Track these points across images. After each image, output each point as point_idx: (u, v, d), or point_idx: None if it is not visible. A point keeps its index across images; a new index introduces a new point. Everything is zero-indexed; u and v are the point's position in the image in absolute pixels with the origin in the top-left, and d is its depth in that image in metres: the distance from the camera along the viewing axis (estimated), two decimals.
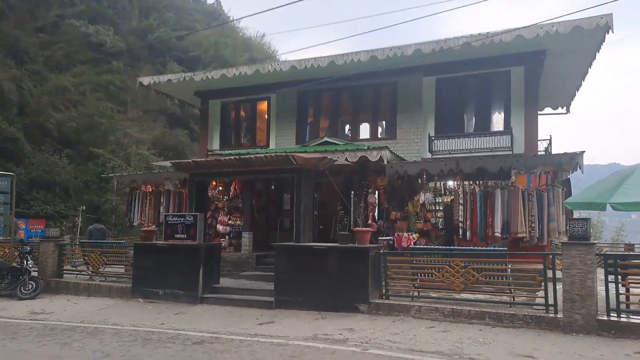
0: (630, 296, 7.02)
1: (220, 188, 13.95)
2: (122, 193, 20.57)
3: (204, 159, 11.32)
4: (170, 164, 11.61)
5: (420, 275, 8.66)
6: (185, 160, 11.38)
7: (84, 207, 20.39)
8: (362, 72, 13.13)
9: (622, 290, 6.89)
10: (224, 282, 10.67)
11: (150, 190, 14.48)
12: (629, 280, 7.07)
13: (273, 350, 6.15)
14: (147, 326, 7.82)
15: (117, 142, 24.75)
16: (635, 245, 13.29)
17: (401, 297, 8.58)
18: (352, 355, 5.86)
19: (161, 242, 10.67)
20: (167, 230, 10.53)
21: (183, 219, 10.43)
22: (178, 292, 9.98)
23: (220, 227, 12.93)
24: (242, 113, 16.87)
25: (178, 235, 10.35)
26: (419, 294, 8.53)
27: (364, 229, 9.07)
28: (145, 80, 16.39)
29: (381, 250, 9.01)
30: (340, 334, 6.96)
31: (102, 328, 7.72)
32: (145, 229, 12.08)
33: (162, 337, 6.97)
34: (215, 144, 16.50)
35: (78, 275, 12.12)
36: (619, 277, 6.87)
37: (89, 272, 11.87)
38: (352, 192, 11.56)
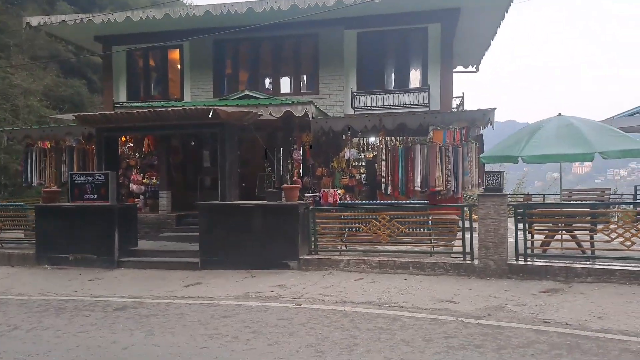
0: (535, 242, 7.86)
1: (131, 144, 13.08)
2: (11, 150, 18.56)
3: (113, 112, 10.48)
4: (73, 117, 10.60)
5: (348, 230, 8.95)
6: (92, 113, 10.45)
7: None
8: (283, 22, 12.74)
9: (528, 237, 7.67)
10: (143, 244, 10.25)
11: (49, 146, 13.19)
12: (535, 228, 7.89)
13: (204, 311, 6.04)
14: (59, 294, 7.31)
15: (1, 92, 21.93)
16: (533, 195, 14.82)
17: (330, 252, 8.84)
18: (286, 311, 5.94)
19: (68, 204, 9.90)
20: (75, 190, 9.76)
21: (92, 178, 9.73)
22: (91, 257, 9.43)
23: (134, 187, 12.23)
24: (152, 62, 15.74)
25: (87, 196, 9.66)
26: (346, 248, 8.85)
27: (293, 186, 9.10)
28: (34, 20, 14.54)
29: (309, 207, 9.12)
30: (272, 291, 7.03)
31: (5, 299, 7.07)
32: (47, 189, 11.06)
33: (79, 305, 6.55)
34: (122, 96, 15.31)
35: None
36: (527, 224, 7.63)
37: None
38: (276, 148, 11.44)
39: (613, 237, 7.10)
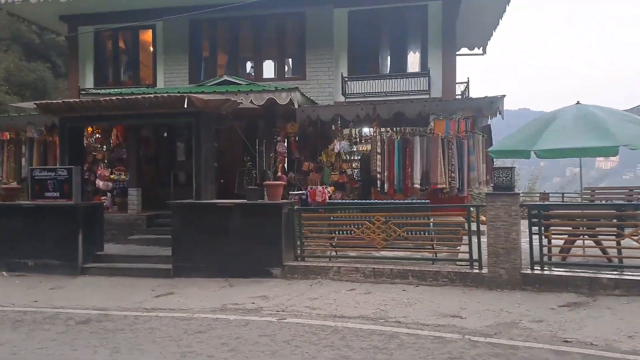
0: (553, 248, 7.52)
1: (98, 135, 12.72)
2: None
3: (77, 100, 10.22)
4: (35, 105, 10.29)
5: (338, 233, 8.64)
6: (55, 101, 10.22)
7: None
8: (266, 0, 12.35)
9: (545, 242, 7.33)
10: (110, 248, 9.95)
11: (8, 138, 12.82)
12: (552, 232, 7.55)
13: (176, 325, 5.79)
14: (16, 305, 7.04)
15: None
16: (550, 194, 14.44)
17: (318, 258, 8.53)
18: (268, 326, 5.69)
19: (28, 203, 9.57)
20: (35, 187, 9.42)
21: (54, 173, 9.39)
22: (53, 262, 9.10)
23: (100, 183, 11.88)
24: (122, 44, 15.38)
25: (49, 194, 9.32)
26: (337, 253, 8.56)
27: (276, 182, 8.80)
28: None
29: (295, 207, 8.78)
30: (253, 303, 6.76)
31: None
32: (5, 186, 10.71)
33: (38, 318, 6.30)
34: (89, 82, 14.95)
35: None
36: (543, 228, 7.29)
37: None
38: (258, 140, 11.14)
39: None
